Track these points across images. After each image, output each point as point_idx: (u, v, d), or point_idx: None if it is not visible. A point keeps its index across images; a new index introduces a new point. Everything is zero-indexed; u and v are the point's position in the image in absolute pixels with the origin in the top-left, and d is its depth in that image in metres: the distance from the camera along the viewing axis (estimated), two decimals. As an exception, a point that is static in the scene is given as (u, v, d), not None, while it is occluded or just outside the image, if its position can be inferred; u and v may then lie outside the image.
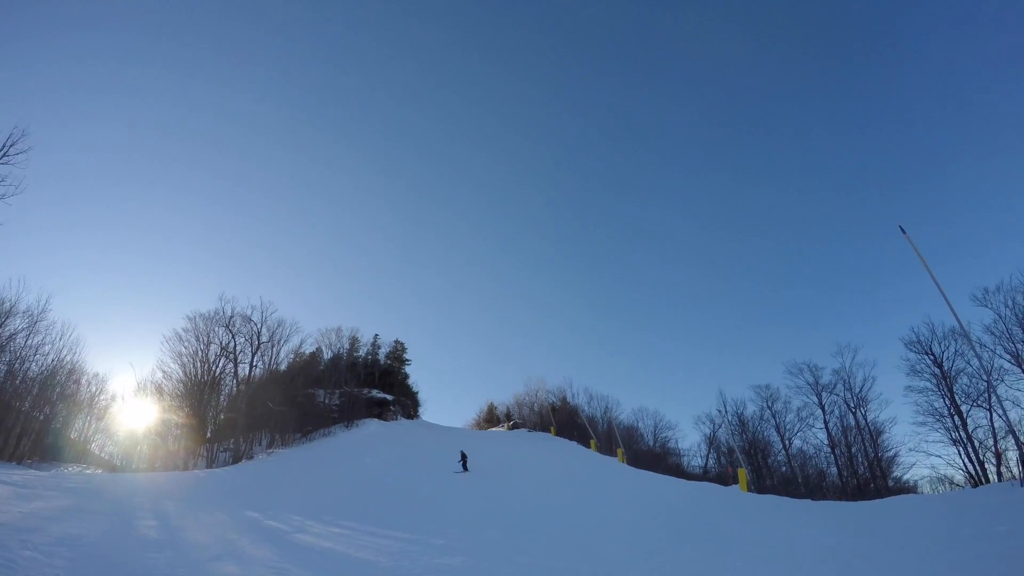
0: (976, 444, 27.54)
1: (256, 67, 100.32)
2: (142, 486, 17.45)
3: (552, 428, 43.96)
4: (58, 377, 30.05)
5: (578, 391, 49.86)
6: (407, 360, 51.06)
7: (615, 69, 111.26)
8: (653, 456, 40.56)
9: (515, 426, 49.12)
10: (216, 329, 35.68)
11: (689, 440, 74.06)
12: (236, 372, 35.95)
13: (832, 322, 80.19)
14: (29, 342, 28.61)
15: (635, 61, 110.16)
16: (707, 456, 41.88)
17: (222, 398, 36.07)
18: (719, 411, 40.36)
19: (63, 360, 30.33)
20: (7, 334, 27.37)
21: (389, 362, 49.61)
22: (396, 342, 51.22)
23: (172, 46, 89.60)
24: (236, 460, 29.95)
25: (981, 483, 25.47)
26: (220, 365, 35.66)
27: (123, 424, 32.88)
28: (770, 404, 37.70)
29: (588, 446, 37.10)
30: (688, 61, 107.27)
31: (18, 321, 28.02)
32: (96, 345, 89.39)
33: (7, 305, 27.32)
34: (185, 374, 34.71)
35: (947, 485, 27.91)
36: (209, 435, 33.80)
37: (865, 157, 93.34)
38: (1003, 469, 25.63)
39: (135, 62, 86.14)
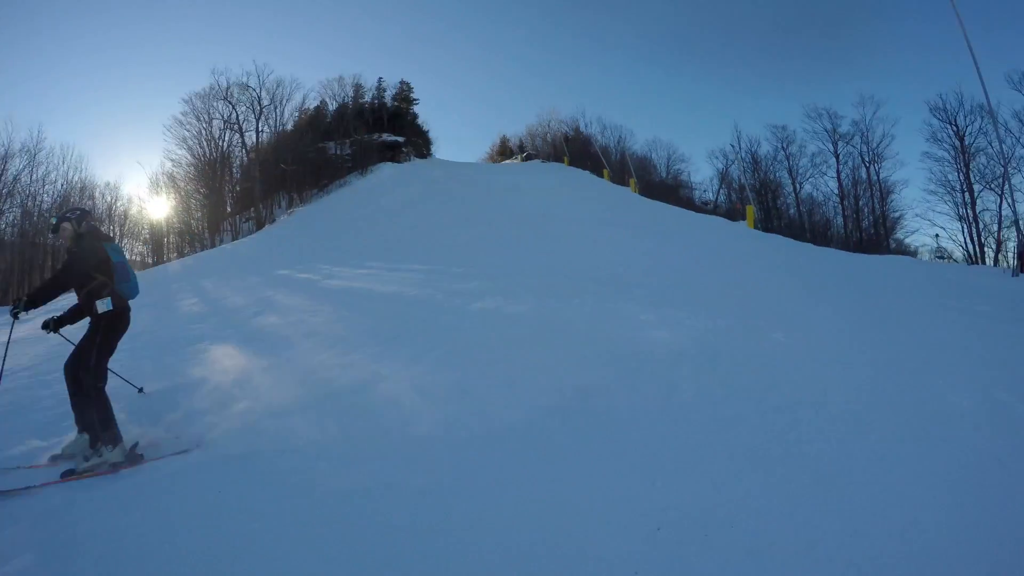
0: (981, 226, 28.13)
1: None
2: (176, 274, 18.56)
3: (565, 158, 42.15)
4: (71, 200, 31.04)
5: (591, 120, 47.38)
6: (415, 100, 48.66)
7: None
8: (665, 187, 39.72)
9: (528, 157, 47.06)
10: (215, 104, 35.47)
11: (701, 174, 69.77)
12: (243, 142, 36.60)
13: (858, 71, 69.25)
14: (34, 176, 29.71)
15: None
16: (718, 191, 41.45)
17: (235, 170, 37.09)
18: (732, 147, 39.27)
19: (72, 182, 31.54)
20: (11, 176, 28.24)
21: (396, 104, 47.46)
22: (402, 83, 48.14)
23: None
24: (259, 227, 31.45)
25: (976, 264, 25.82)
26: (226, 139, 36.15)
27: (146, 222, 34.65)
28: (785, 146, 36.74)
29: (601, 175, 35.83)
30: None
31: (18, 161, 28.57)
32: (101, 156, 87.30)
33: (2, 149, 27.42)
34: (193, 156, 35.34)
35: (945, 259, 27.81)
36: (229, 209, 35.54)
37: None
38: (1000, 257, 25.79)
39: None
